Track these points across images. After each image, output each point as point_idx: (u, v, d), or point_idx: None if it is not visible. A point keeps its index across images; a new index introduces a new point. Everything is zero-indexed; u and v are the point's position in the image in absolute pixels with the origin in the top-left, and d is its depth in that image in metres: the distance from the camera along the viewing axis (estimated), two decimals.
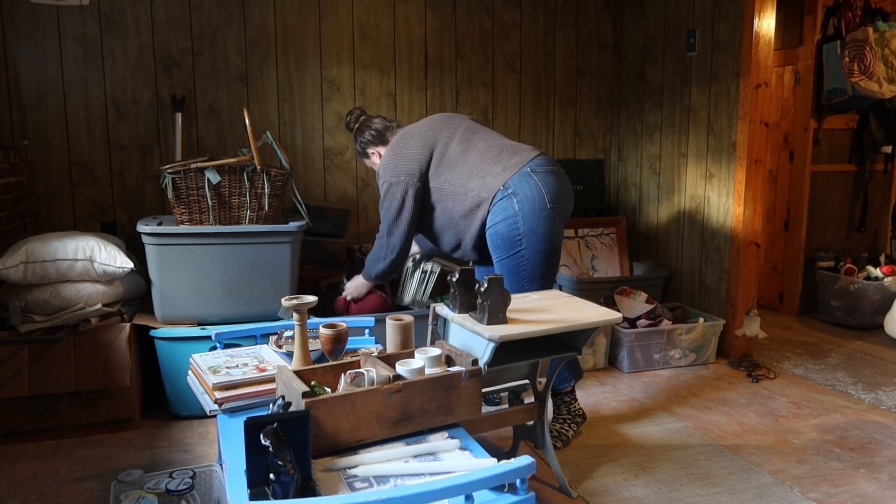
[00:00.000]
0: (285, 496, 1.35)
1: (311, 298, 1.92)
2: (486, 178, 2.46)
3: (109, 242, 2.73)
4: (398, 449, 1.60)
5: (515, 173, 2.42)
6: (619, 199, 4.42)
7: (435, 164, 2.54)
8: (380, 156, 2.73)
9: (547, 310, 2.07)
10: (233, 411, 1.82)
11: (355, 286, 2.90)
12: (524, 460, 1.38)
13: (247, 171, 2.77)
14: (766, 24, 3.34)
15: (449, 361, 1.85)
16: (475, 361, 1.77)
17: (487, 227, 2.48)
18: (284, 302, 1.91)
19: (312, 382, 1.69)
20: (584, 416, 2.66)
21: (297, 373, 1.73)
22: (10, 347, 2.54)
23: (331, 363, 1.84)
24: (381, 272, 2.71)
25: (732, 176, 3.49)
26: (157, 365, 2.78)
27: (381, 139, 2.73)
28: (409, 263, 3.16)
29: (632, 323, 3.42)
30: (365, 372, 1.68)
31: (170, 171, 2.69)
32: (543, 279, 2.46)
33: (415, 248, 3.03)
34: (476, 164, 2.49)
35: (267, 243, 2.80)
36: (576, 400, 2.65)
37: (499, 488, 1.40)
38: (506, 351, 1.97)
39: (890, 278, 4.10)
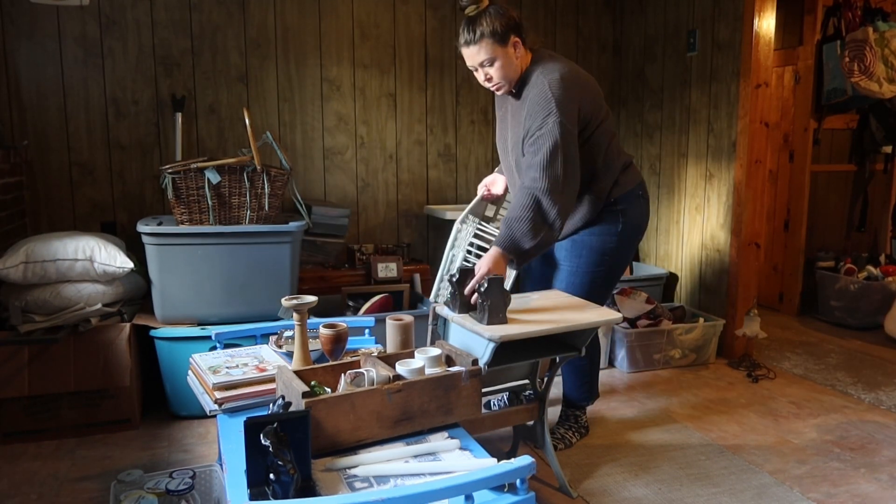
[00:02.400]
0: (285, 496, 1.35)
1: (311, 298, 1.92)
2: (609, 186, 2.25)
3: (109, 242, 2.73)
4: (398, 449, 1.59)
5: (629, 191, 2.28)
6: None
7: (581, 135, 2.17)
8: (521, 49, 2.16)
9: (547, 310, 2.07)
10: (233, 411, 1.82)
11: (491, 262, 2.03)
12: (524, 460, 1.38)
13: (247, 171, 2.77)
14: (766, 24, 3.34)
15: (449, 361, 1.85)
16: (475, 361, 1.77)
17: (576, 231, 2.33)
18: (284, 302, 1.91)
19: (312, 382, 1.69)
20: (588, 429, 2.66)
21: (297, 373, 1.73)
22: (10, 347, 2.54)
23: (331, 363, 1.84)
24: (546, 240, 2.09)
25: (732, 176, 3.49)
26: (157, 365, 2.78)
27: (521, 30, 2.16)
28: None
29: (632, 323, 3.42)
30: (365, 372, 1.68)
31: (170, 171, 2.69)
32: (604, 298, 2.40)
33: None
34: (608, 160, 2.23)
35: (267, 243, 2.80)
36: (585, 413, 2.66)
37: (499, 488, 1.40)
38: (506, 351, 1.97)
39: (890, 278, 4.10)
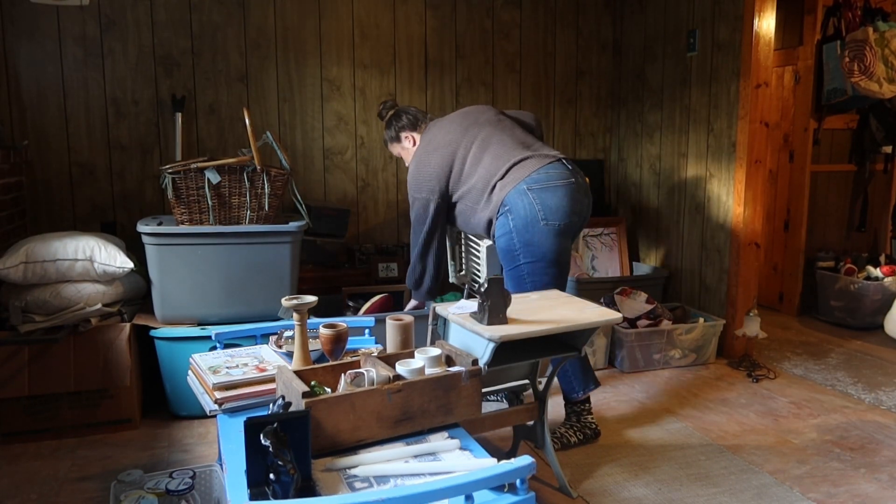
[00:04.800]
0: (285, 496, 1.35)
1: (311, 298, 1.92)
2: (490, 197, 2.52)
3: (109, 242, 2.73)
4: (398, 449, 1.59)
5: (512, 190, 2.45)
6: (619, 199, 4.42)
7: (454, 179, 2.61)
8: (413, 141, 2.78)
9: (547, 310, 2.07)
10: (233, 411, 1.82)
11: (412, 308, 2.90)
12: (524, 460, 1.38)
13: (247, 171, 2.77)
14: (766, 24, 3.34)
15: (449, 361, 1.85)
16: (475, 361, 1.77)
17: (495, 238, 2.56)
18: (284, 302, 1.91)
19: (312, 382, 1.69)
20: (597, 433, 2.60)
21: (297, 373, 1.73)
22: (10, 347, 2.54)
23: (331, 363, 1.84)
24: (426, 288, 2.76)
25: (732, 176, 3.49)
26: (157, 365, 2.78)
27: (415, 125, 2.79)
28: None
29: (632, 323, 3.42)
30: (365, 372, 1.68)
31: (170, 171, 2.69)
32: (548, 289, 2.43)
33: None
34: (483, 181, 2.54)
35: (267, 243, 2.80)
36: (590, 413, 2.60)
37: (499, 488, 1.40)
38: (506, 351, 1.97)
39: (890, 278, 4.09)
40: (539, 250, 2.43)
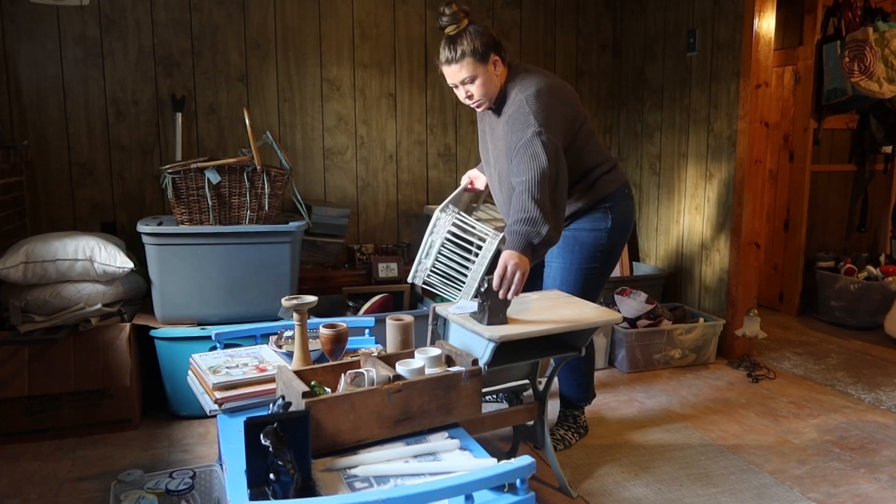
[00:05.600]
0: (285, 496, 1.35)
1: (311, 298, 1.92)
2: (593, 185, 2.32)
3: (109, 242, 2.73)
4: (398, 449, 1.59)
5: (616, 189, 2.34)
6: None
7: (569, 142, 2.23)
8: (500, 66, 2.21)
9: (547, 310, 2.07)
10: (233, 411, 1.82)
11: (520, 266, 1.97)
12: (524, 460, 1.38)
13: (247, 171, 2.77)
14: (766, 24, 3.34)
15: (449, 361, 1.85)
16: (475, 361, 1.77)
17: (566, 227, 2.35)
18: (284, 302, 1.91)
19: (312, 382, 1.69)
20: (587, 429, 2.67)
21: (297, 373, 1.73)
22: (10, 347, 2.54)
23: (331, 363, 1.84)
24: (549, 237, 2.05)
25: (732, 176, 3.49)
26: (157, 365, 2.78)
27: (500, 49, 2.21)
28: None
29: (632, 323, 3.41)
30: (365, 372, 1.68)
31: (170, 171, 2.69)
32: (596, 296, 2.41)
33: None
34: (590, 163, 2.30)
35: (267, 243, 2.80)
36: (583, 413, 2.67)
37: (499, 488, 1.40)
38: (506, 351, 1.97)
39: (890, 278, 4.10)
40: (617, 258, 2.39)
